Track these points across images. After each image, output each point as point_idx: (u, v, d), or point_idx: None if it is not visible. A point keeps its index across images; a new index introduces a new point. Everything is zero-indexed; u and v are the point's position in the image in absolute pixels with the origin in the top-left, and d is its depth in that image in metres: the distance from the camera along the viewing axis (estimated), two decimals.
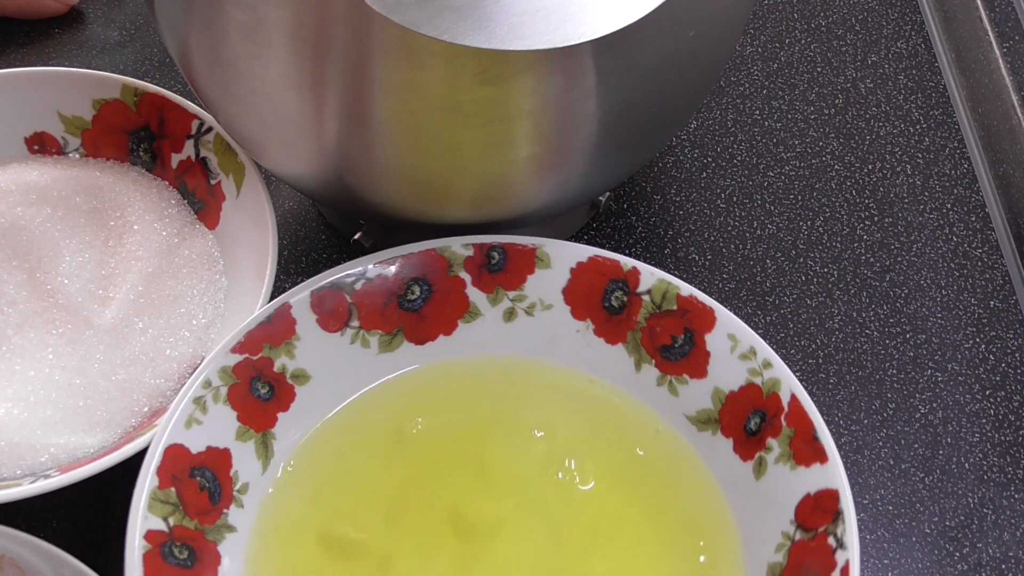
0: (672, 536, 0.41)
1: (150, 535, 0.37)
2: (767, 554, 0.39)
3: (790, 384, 0.41)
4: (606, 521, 0.41)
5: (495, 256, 0.44)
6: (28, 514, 0.42)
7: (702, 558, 0.40)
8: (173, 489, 0.38)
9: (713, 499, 0.41)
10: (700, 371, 0.43)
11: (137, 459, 0.39)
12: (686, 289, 0.43)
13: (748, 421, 0.41)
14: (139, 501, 0.37)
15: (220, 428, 0.40)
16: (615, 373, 0.44)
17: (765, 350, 0.42)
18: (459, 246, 0.44)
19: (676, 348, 0.43)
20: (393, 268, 0.43)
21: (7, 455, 0.41)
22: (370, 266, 0.43)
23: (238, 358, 0.41)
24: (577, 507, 0.41)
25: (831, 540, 0.38)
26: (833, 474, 0.39)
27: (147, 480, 0.38)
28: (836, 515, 0.38)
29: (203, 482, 0.39)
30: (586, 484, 0.42)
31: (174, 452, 0.38)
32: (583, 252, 0.44)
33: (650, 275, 0.43)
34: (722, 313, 0.42)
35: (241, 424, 0.40)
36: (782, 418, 0.41)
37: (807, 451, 0.40)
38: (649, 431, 0.43)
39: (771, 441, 0.41)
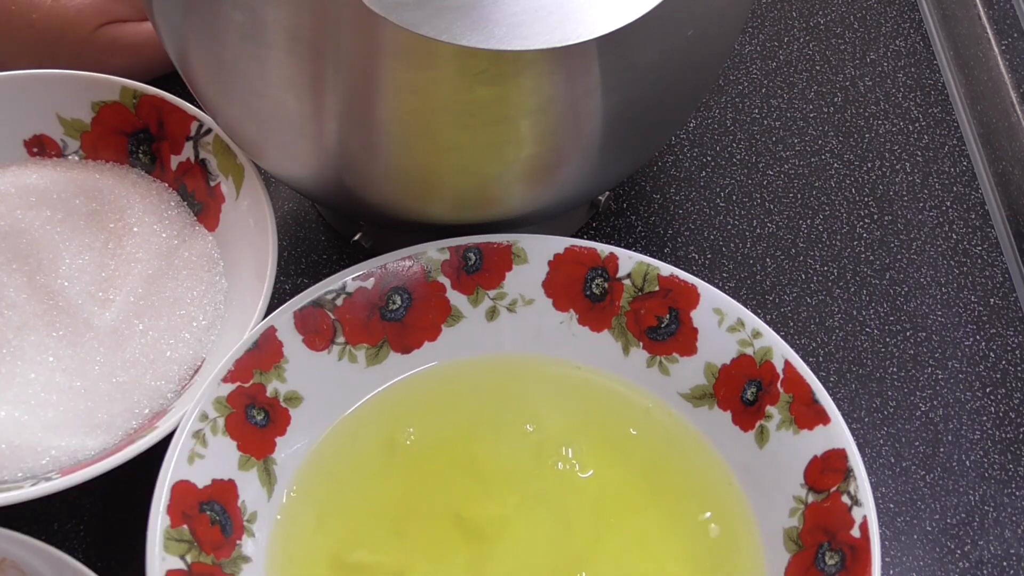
0: (679, 511, 0.41)
1: (171, 575, 0.37)
2: (781, 520, 0.40)
3: (782, 351, 0.41)
4: (611, 504, 0.41)
5: (471, 257, 0.44)
6: (29, 516, 0.43)
7: (715, 530, 0.40)
8: (185, 526, 0.38)
9: (716, 471, 0.42)
10: (689, 348, 0.43)
11: (138, 461, 0.39)
12: (666, 269, 0.43)
13: (744, 392, 0.42)
14: (154, 542, 0.37)
15: (222, 459, 0.40)
16: (603, 360, 0.44)
17: (753, 320, 0.42)
18: (434, 251, 0.44)
19: (663, 328, 0.43)
20: (372, 280, 0.43)
21: (8, 458, 0.41)
22: (348, 280, 0.43)
23: (231, 387, 0.41)
24: (580, 494, 0.42)
25: (845, 498, 0.38)
26: (837, 433, 0.39)
27: (158, 520, 0.37)
28: (847, 473, 0.38)
29: (213, 516, 0.39)
30: (586, 472, 0.42)
31: (181, 489, 0.38)
32: (559, 244, 0.44)
33: (628, 259, 0.44)
34: (705, 289, 0.43)
35: (242, 453, 0.40)
36: (778, 385, 0.41)
37: (808, 414, 0.40)
38: (640, 411, 0.43)
39: (770, 409, 0.41)
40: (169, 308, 0.45)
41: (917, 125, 0.56)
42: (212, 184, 0.47)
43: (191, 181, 0.48)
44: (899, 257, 0.51)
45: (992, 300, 0.50)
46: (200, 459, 0.39)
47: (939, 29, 0.59)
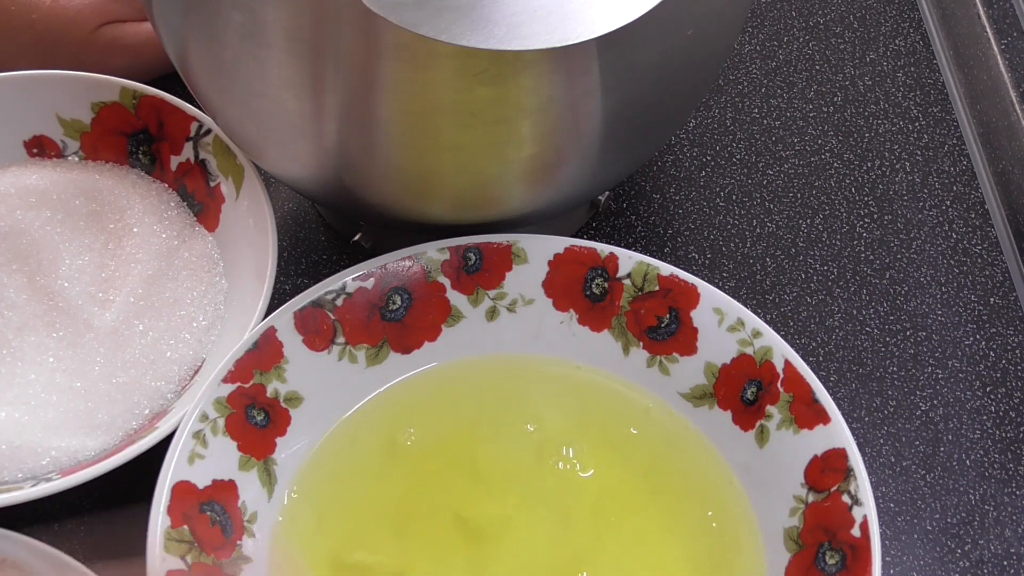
0: (680, 511, 0.41)
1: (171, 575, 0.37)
2: (782, 519, 0.40)
3: (782, 350, 0.41)
4: (611, 503, 0.41)
5: (471, 257, 0.44)
6: (30, 517, 0.42)
7: (715, 530, 0.40)
8: (186, 527, 0.38)
9: (717, 471, 0.42)
10: (689, 348, 0.43)
11: (138, 461, 0.39)
12: (666, 269, 0.43)
13: (744, 391, 0.42)
14: (154, 543, 0.37)
15: (223, 460, 0.40)
16: (603, 359, 0.44)
17: (753, 320, 0.42)
18: (434, 251, 0.44)
19: (663, 328, 0.43)
20: (372, 280, 0.43)
21: (8, 458, 0.41)
22: (348, 280, 0.43)
23: (231, 388, 0.41)
24: (580, 493, 0.42)
25: (845, 498, 0.38)
26: (837, 433, 0.39)
27: (159, 521, 0.37)
28: (847, 473, 0.39)
29: (213, 516, 0.39)
30: (586, 471, 0.42)
31: (181, 489, 0.38)
32: (559, 244, 0.44)
33: (628, 259, 0.44)
34: (705, 288, 0.43)
35: (242, 454, 0.40)
36: (778, 384, 0.41)
37: (808, 414, 0.40)
38: (641, 410, 0.43)
39: (770, 408, 0.41)
40: (169, 308, 0.45)
41: (917, 124, 0.56)
42: (212, 184, 0.47)
43: (191, 182, 0.48)
44: (899, 257, 0.51)
45: (992, 300, 0.50)
46: (200, 459, 0.39)
47: (939, 28, 0.59)
